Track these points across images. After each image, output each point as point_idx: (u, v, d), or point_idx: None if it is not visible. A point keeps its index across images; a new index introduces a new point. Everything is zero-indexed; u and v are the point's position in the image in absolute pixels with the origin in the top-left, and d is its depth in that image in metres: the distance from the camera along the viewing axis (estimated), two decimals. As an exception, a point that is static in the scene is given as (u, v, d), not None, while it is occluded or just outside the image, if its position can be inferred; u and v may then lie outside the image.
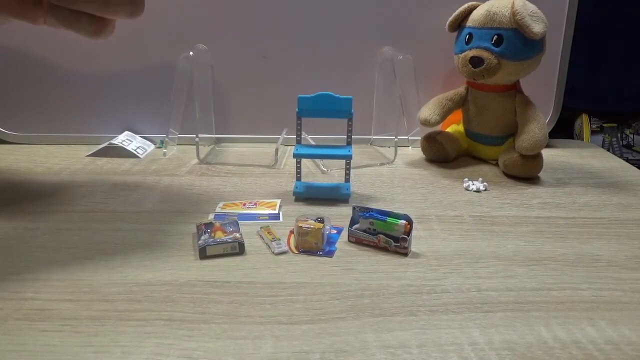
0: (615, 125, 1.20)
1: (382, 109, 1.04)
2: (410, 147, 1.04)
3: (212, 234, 0.64)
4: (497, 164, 0.94)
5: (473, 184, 0.84)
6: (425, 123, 0.93)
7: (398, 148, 0.96)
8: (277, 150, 0.95)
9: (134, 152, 0.98)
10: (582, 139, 1.20)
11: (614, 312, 0.53)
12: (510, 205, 0.78)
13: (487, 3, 0.89)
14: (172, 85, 0.96)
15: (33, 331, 0.48)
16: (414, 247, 0.64)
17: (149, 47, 1.00)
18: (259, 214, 0.73)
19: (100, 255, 0.62)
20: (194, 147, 0.95)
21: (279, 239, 0.65)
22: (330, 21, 1.00)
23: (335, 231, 0.68)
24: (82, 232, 0.67)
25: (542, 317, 0.52)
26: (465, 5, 0.91)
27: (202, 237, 0.63)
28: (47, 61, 1.00)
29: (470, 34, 0.88)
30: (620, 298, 0.55)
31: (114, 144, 0.98)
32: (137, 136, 1.03)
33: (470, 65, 0.87)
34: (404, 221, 0.62)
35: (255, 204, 0.76)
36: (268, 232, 0.66)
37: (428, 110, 0.94)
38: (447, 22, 0.93)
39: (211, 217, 0.73)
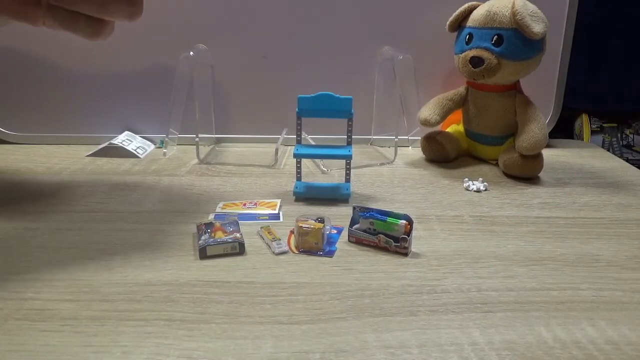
0: (615, 125, 1.20)
1: (382, 109, 1.04)
2: (410, 147, 1.04)
3: (212, 234, 0.64)
4: (497, 164, 0.94)
5: (473, 184, 0.84)
6: (425, 123, 0.93)
7: (398, 148, 0.96)
8: (277, 150, 0.95)
9: (134, 152, 0.98)
10: (582, 139, 1.20)
11: (614, 312, 0.53)
12: (510, 205, 0.78)
13: (487, 3, 0.89)
14: (172, 85, 0.96)
15: (33, 331, 0.48)
16: (414, 247, 0.64)
17: (149, 47, 1.00)
18: (259, 214, 0.73)
19: (100, 255, 0.62)
20: (194, 147, 0.95)
21: (279, 239, 0.65)
22: (330, 21, 1.00)
23: (335, 231, 0.68)
24: (82, 232, 0.67)
25: (542, 317, 0.52)
26: (466, 5, 0.91)
27: (202, 237, 0.63)
28: (47, 61, 1.00)
29: (470, 34, 0.88)
30: (620, 298, 0.55)
31: (114, 144, 0.98)
32: (137, 136, 1.03)
33: (470, 65, 0.87)
34: (404, 221, 0.62)
35: (255, 204, 0.76)
36: (268, 232, 0.66)
37: (428, 110, 0.94)
38: (447, 22, 0.93)
39: (211, 217, 0.73)
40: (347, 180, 0.80)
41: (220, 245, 0.62)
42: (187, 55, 0.92)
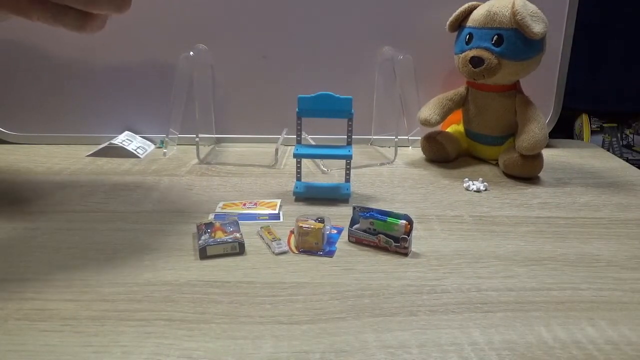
0: (615, 125, 1.20)
1: (382, 109, 1.04)
2: (410, 147, 1.04)
3: (212, 234, 0.64)
4: (497, 164, 0.94)
5: (473, 184, 0.84)
6: (426, 123, 0.93)
7: (398, 148, 0.96)
8: (277, 150, 0.95)
9: (134, 152, 0.98)
10: (582, 139, 1.20)
11: (614, 312, 0.53)
12: (510, 205, 0.78)
13: (487, 3, 0.89)
14: (172, 85, 0.96)
15: (33, 331, 0.48)
16: (414, 247, 0.64)
17: (149, 47, 1.00)
18: (259, 214, 0.73)
19: (100, 255, 0.62)
20: (194, 147, 0.95)
21: (279, 239, 0.65)
22: (330, 21, 1.00)
23: (335, 231, 0.68)
24: (82, 232, 0.67)
25: (542, 317, 0.52)
26: (466, 5, 0.91)
27: (202, 237, 0.63)
28: (47, 61, 1.00)
29: (470, 34, 0.88)
30: (620, 298, 0.55)
31: (114, 144, 0.98)
32: (137, 136, 1.03)
33: (470, 65, 0.87)
34: (404, 221, 0.62)
35: (255, 204, 0.76)
36: (268, 232, 0.66)
37: (428, 110, 0.94)
38: (447, 22, 0.93)
39: (211, 217, 0.73)
40: (347, 180, 0.80)
41: (220, 245, 0.62)
42: (187, 55, 0.92)
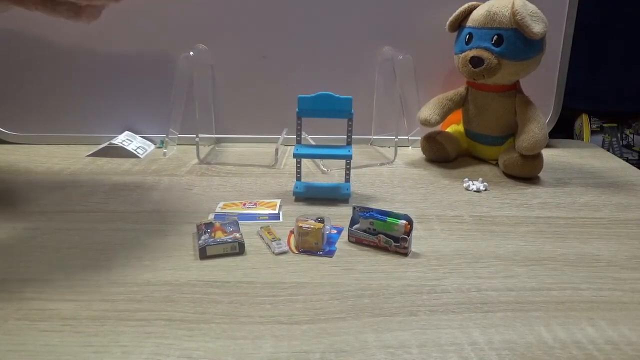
0: (615, 125, 1.20)
1: (382, 109, 1.04)
2: (410, 147, 1.04)
3: (212, 234, 0.64)
4: (497, 164, 0.94)
5: (473, 184, 0.84)
6: (425, 123, 0.93)
7: (398, 148, 0.96)
8: (277, 150, 0.95)
9: (134, 152, 0.98)
10: (582, 139, 1.20)
11: (614, 312, 0.53)
12: (510, 205, 0.78)
13: (487, 3, 0.89)
14: (172, 85, 0.96)
15: (33, 331, 0.48)
16: (414, 247, 0.64)
17: (149, 47, 1.00)
18: (259, 214, 0.73)
19: (100, 255, 0.62)
20: (194, 147, 0.95)
21: (279, 239, 0.65)
22: (330, 21, 1.00)
23: (335, 231, 0.68)
24: (82, 232, 0.67)
25: (542, 317, 0.52)
26: (466, 5, 0.91)
27: (202, 237, 0.63)
28: (47, 62, 1.00)
29: (470, 34, 0.88)
30: (620, 298, 0.55)
31: (114, 144, 0.98)
32: (137, 136, 1.03)
33: (470, 65, 0.87)
34: (404, 221, 0.62)
35: (255, 204, 0.76)
36: (268, 232, 0.66)
37: (428, 110, 0.94)
38: (447, 22, 0.93)
39: (211, 217, 0.73)
40: (347, 180, 0.80)
41: (220, 245, 0.62)
42: (187, 55, 0.92)
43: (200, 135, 0.94)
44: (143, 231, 0.68)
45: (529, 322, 0.51)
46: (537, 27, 0.83)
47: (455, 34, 0.93)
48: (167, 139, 0.99)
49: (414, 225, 0.64)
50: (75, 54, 1.00)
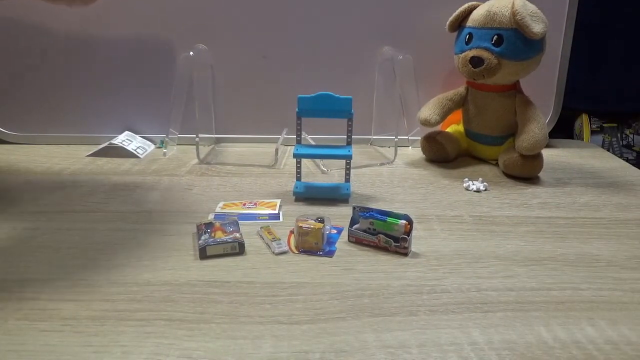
0: (615, 125, 1.20)
1: (382, 109, 1.04)
2: (410, 147, 1.04)
3: (212, 234, 0.64)
4: (497, 164, 0.94)
5: (473, 184, 0.84)
6: (425, 123, 0.93)
7: (398, 148, 0.96)
8: (277, 150, 0.95)
9: (134, 152, 0.98)
10: (582, 139, 1.20)
11: (613, 312, 0.53)
12: (510, 205, 0.78)
13: (487, 3, 0.89)
14: (172, 85, 0.96)
15: (33, 331, 0.48)
16: (414, 247, 0.64)
17: (149, 47, 1.00)
18: (259, 214, 0.73)
19: (100, 255, 0.62)
20: (194, 147, 0.95)
21: (279, 239, 0.65)
22: (330, 21, 1.00)
23: (335, 231, 0.68)
24: (82, 232, 0.67)
25: (542, 317, 0.52)
26: (465, 5, 0.91)
27: (202, 237, 0.63)
28: (47, 61, 1.00)
29: (470, 34, 0.88)
30: (620, 298, 0.55)
31: (114, 144, 0.98)
32: (137, 136, 1.03)
33: (470, 65, 0.87)
34: (404, 221, 0.62)
35: (255, 204, 0.76)
36: (268, 232, 0.66)
37: (428, 110, 0.94)
38: (447, 22, 0.93)
39: (211, 217, 0.73)
40: (347, 180, 0.80)
41: (220, 245, 0.62)
42: (187, 55, 0.92)
43: (200, 135, 0.94)
44: (143, 231, 0.68)
45: (528, 322, 0.51)
46: (537, 27, 0.83)
47: (455, 34, 0.93)
48: (167, 139, 0.99)
49: (414, 225, 0.64)
50: (76, 54, 1.00)
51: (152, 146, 1.03)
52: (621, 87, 1.17)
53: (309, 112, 0.76)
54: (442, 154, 0.95)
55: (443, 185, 0.86)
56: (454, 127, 1.01)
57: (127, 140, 1.00)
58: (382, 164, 0.95)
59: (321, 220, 0.64)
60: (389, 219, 0.63)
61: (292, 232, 0.67)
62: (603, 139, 1.19)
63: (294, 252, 0.63)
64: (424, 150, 0.97)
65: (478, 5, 0.90)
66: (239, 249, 0.62)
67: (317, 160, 0.95)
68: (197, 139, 0.94)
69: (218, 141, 1.06)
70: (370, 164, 0.95)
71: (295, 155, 0.78)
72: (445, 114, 0.94)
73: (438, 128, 0.97)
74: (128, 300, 0.53)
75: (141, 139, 1.03)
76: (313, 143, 1.00)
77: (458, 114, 0.98)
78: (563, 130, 1.20)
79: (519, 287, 0.57)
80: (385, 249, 0.64)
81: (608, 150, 1.12)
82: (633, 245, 0.67)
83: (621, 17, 1.13)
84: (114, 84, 1.02)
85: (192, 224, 0.69)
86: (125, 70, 1.01)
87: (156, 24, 0.98)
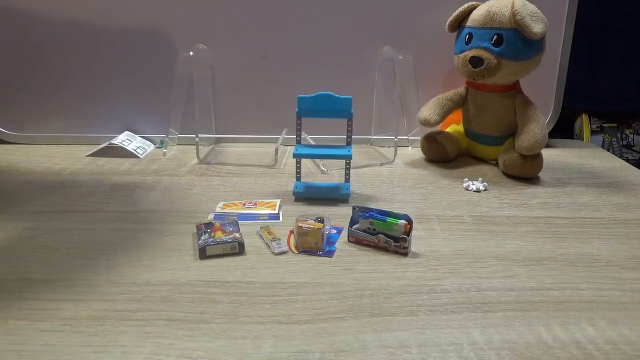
0: (615, 125, 1.20)
1: (382, 109, 1.04)
2: (410, 147, 1.04)
3: (212, 234, 0.64)
4: (497, 164, 0.94)
5: (473, 184, 0.84)
6: (425, 123, 0.93)
7: (398, 148, 0.96)
8: (277, 150, 0.95)
9: (134, 152, 0.98)
10: (582, 139, 1.19)
11: (613, 312, 0.53)
12: (510, 205, 0.78)
13: (487, 3, 0.89)
14: (172, 85, 0.96)
15: (33, 331, 0.48)
16: (413, 247, 0.64)
17: (149, 47, 1.00)
18: (258, 214, 0.73)
19: (100, 255, 0.62)
20: (194, 147, 0.95)
21: (279, 239, 0.65)
22: (330, 21, 1.00)
23: (335, 231, 0.68)
24: (82, 232, 0.67)
25: (542, 317, 0.52)
26: (465, 5, 0.91)
27: (202, 237, 0.63)
28: (47, 62, 1.00)
29: (470, 34, 0.88)
30: (619, 298, 0.55)
31: (114, 144, 0.98)
32: (137, 136, 1.03)
33: (470, 65, 0.87)
34: (403, 221, 0.62)
35: (255, 204, 0.76)
36: (268, 232, 0.66)
37: (428, 110, 0.94)
38: (447, 22, 0.93)
39: (211, 217, 0.73)
40: (347, 180, 0.80)
41: (220, 245, 0.62)
42: (187, 55, 0.92)
43: (200, 135, 0.94)
44: (143, 231, 0.68)
45: (528, 322, 0.51)
46: (537, 27, 0.83)
47: (455, 34, 0.93)
48: (167, 139, 0.99)
49: (414, 225, 0.64)
50: (75, 54, 1.00)
51: (152, 146, 1.03)
52: (621, 87, 1.17)
53: (308, 112, 0.76)
54: (442, 154, 0.95)
55: (443, 185, 0.86)
56: (454, 127, 1.01)
57: (127, 140, 1.00)
58: (382, 164, 0.95)
59: (321, 220, 0.64)
60: (389, 219, 0.63)
61: (291, 232, 0.67)
62: (603, 139, 1.19)
63: (293, 252, 0.63)
64: (424, 150, 0.97)
65: (478, 5, 0.90)
66: (238, 249, 0.62)
67: (317, 160, 0.95)
68: (197, 139, 0.94)
69: (218, 141, 1.06)
70: (370, 164, 0.95)
71: (295, 155, 0.78)
72: (445, 114, 0.94)
73: (438, 128, 0.97)
74: (128, 300, 0.53)
75: (141, 139, 1.03)
76: (313, 143, 1.00)
77: (458, 114, 0.98)
78: (563, 130, 1.19)
79: (518, 287, 0.57)
80: (385, 249, 0.64)
81: (608, 150, 1.12)
82: (633, 245, 0.67)
83: (621, 17, 1.13)
84: (114, 84, 1.02)
85: (192, 224, 0.69)
86: (125, 70, 1.01)
87: (156, 24, 0.98)
